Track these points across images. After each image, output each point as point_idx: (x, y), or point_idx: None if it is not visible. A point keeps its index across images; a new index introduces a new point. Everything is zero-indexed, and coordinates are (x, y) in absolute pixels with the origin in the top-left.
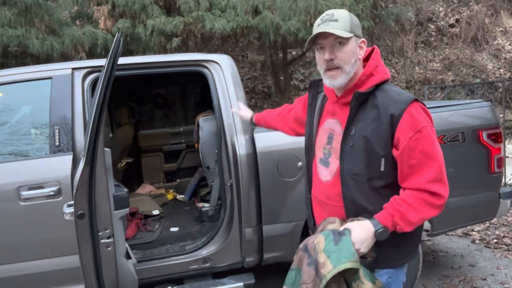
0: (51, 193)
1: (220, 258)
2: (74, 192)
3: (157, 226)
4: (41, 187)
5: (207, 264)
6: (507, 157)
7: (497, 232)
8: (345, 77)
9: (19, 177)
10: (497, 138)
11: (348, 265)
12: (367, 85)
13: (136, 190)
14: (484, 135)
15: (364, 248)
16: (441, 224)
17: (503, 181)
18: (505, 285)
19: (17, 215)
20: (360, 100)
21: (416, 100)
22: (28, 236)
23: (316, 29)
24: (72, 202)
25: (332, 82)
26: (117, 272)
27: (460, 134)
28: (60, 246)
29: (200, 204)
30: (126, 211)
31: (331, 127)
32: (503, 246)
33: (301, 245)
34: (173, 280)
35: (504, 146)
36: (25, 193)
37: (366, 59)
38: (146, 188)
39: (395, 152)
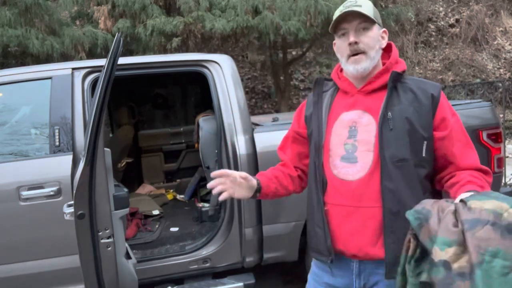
0: (51, 193)
1: (220, 258)
2: (74, 192)
3: (157, 226)
4: (41, 187)
5: (207, 264)
6: (507, 157)
7: None
8: (370, 63)
9: (19, 177)
10: (497, 138)
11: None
12: (397, 69)
13: (136, 190)
14: (484, 135)
15: None
16: None
17: (503, 181)
18: None
19: (17, 215)
20: (395, 81)
21: None
22: (28, 236)
23: (339, 15)
24: (72, 202)
25: (356, 66)
26: (117, 272)
27: None
28: (60, 246)
29: (200, 204)
30: (126, 211)
31: (353, 119)
32: None
33: (461, 223)
34: (173, 280)
35: (504, 146)
36: (25, 193)
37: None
38: (146, 188)
39: (439, 134)
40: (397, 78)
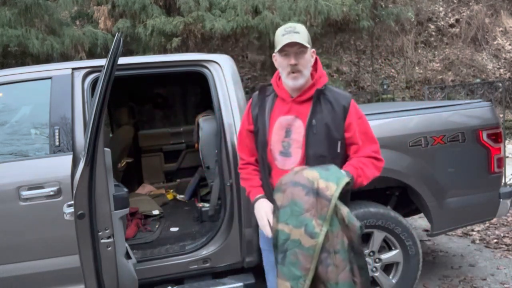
0: (51, 193)
1: (220, 258)
2: (74, 192)
3: (157, 226)
4: (41, 187)
5: (207, 264)
6: (507, 157)
7: (497, 232)
8: (304, 79)
9: (19, 177)
10: (497, 138)
11: (346, 179)
12: (320, 84)
13: (136, 190)
14: (484, 135)
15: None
16: (441, 224)
17: (503, 181)
18: (505, 285)
19: (17, 215)
20: (318, 95)
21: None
22: (28, 236)
23: (283, 38)
24: (72, 202)
25: (295, 82)
26: (117, 272)
27: (460, 134)
28: (60, 246)
29: (200, 204)
30: (126, 211)
31: (288, 123)
32: (503, 246)
33: (284, 183)
34: (173, 280)
35: (504, 146)
36: (25, 193)
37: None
38: (146, 188)
39: (347, 134)
40: (319, 93)
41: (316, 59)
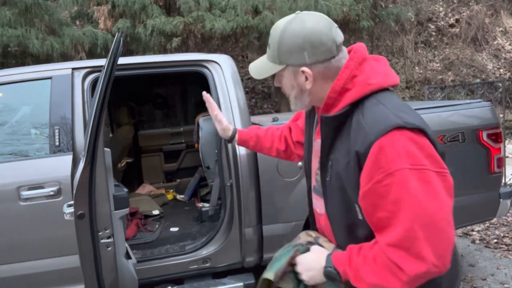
0: (51, 193)
1: (220, 258)
2: (74, 192)
3: (157, 226)
4: (41, 187)
5: (207, 264)
6: (507, 157)
7: (497, 232)
8: (298, 104)
9: (19, 177)
10: (497, 138)
11: (266, 275)
12: (341, 104)
13: (136, 190)
14: (484, 135)
15: (306, 277)
16: None
17: (503, 181)
18: (505, 285)
19: (17, 215)
20: (332, 125)
21: (400, 127)
22: (28, 236)
23: None
24: (72, 202)
25: (292, 107)
26: (117, 272)
27: (460, 134)
28: (60, 246)
29: (200, 204)
30: (126, 211)
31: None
32: (503, 246)
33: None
34: (173, 280)
35: (504, 146)
36: (25, 193)
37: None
38: (146, 188)
39: (361, 199)
40: (331, 122)
41: (350, 51)
